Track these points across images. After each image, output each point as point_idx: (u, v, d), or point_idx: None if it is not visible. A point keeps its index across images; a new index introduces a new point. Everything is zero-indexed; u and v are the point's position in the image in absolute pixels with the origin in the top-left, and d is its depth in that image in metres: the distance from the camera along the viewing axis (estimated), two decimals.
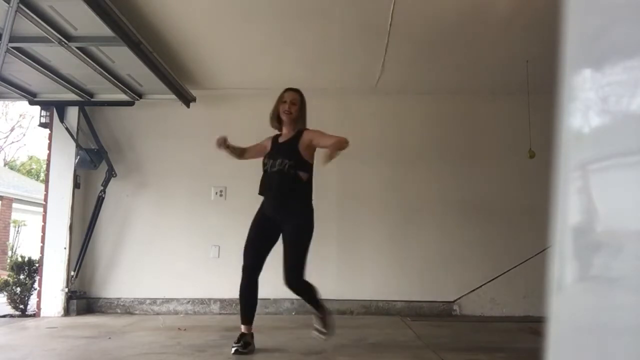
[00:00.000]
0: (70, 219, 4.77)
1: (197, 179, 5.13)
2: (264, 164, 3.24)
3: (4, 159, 21.79)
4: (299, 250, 3.10)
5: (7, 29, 3.21)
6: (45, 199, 4.86)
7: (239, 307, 4.81)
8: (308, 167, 3.20)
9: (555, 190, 0.59)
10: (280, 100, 3.29)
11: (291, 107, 3.24)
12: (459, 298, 4.96)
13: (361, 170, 5.09)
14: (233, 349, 3.05)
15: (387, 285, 4.95)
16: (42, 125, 4.99)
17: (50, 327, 4.10)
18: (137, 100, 4.85)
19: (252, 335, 3.17)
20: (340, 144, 2.96)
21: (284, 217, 3.16)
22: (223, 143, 3.24)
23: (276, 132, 3.40)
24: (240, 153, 3.43)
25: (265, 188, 3.22)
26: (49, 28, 3.29)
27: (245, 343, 3.09)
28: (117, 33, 3.36)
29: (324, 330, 3.22)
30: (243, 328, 3.17)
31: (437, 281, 4.97)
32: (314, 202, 3.23)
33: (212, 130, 5.20)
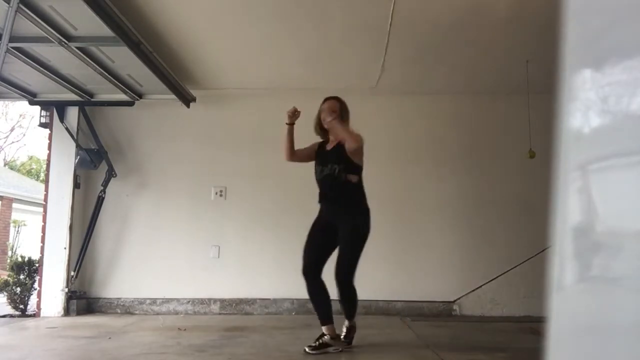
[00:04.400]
0: (70, 219, 4.77)
1: (197, 179, 5.13)
2: (316, 172, 3.34)
3: (4, 159, 21.79)
4: (349, 251, 3.18)
5: (7, 29, 3.21)
6: (45, 199, 4.86)
7: (239, 306, 4.82)
8: (358, 170, 3.30)
9: (555, 190, 0.59)
10: (321, 111, 3.37)
11: (331, 114, 3.29)
12: (459, 298, 4.96)
13: None
14: (305, 349, 3.10)
15: (387, 285, 4.94)
16: (42, 125, 4.99)
17: (50, 327, 4.10)
18: (137, 100, 4.85)
19: (333, 336, 3.18)
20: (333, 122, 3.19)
21: (339, 220, 3.25)
22: (294, 114, 3.30)
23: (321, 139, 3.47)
24: (292, 144, 3.42)
25: (320, 194, 3.32)
26: (49, 28, 3.29)
27: (321, 344, 3.12)
28: (117, 33, 3.36)
29: (344, 340, 3.25)
30: (324, 329, 3.21)
31: (437, 281, 4.97)
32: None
33: (212, 130, 5.23)
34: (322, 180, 3.28)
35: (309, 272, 3.25)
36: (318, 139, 3.46)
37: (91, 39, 3.59)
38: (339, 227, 3.23)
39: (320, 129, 3.38)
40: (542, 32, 3.56)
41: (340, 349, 3.16)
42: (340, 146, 3.29)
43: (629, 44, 0.52)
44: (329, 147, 3.36)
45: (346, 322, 3.30)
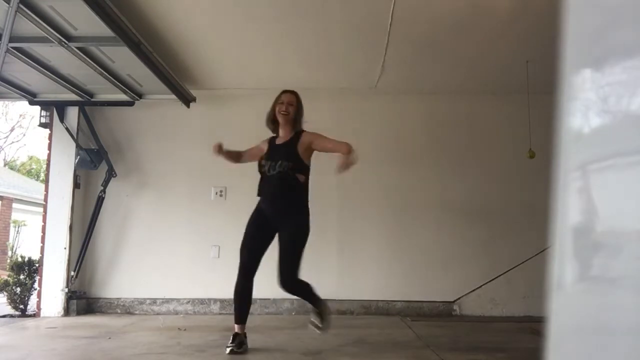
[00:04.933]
0: (70, 219, 4.77)
1: (197, 179, 5.13)
2: (261, 166, 3.25)
3: (4, 159, 21.79)
4: (294, 253, 3.11)
5: (7, 29, 3.21)
6: (45, 199, 4.86)
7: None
8: (305, 170, 3.21)
9: (555, 190, 0.59)
10: (277, 102, 3.31)
11: (288, 107, 3.26)
12: (459, 298, 4.96)
13: (361, 170, 5.04)
14: (228, 349, 3.05)
15: (387, 285, 4.94)
16: (42, 125, 4.99)
17: (50, 327, 4.10)
18: (137, 100, 4.85)
19: (245, 334, 3.18)
20: (351, 156, 2.98)
21: (281, 219, 3.16)
22: (219, 149, 3.29)
23: (273, 134, 3.40)
24: (236, 157, 3.46)
25: (263, 190, 3.22)
26: (49, 28, 3.29)
27: (239, 343, 3.09)
28: (117, 33, 3.36)
29: (320, 324, 3.20)
30: (237, 328, 3.16)
31: (437, 281, 4.97)
32: (310, 205, 3.24)
33: (212, 130, 5.22)
34: (270, 177, 3.17)
35: (248, 271, 3.16)
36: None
37: (91, 39, 3.59)
38: (281, 226, 3.16)
39: (272, 122, 3.32)
40: (542, 32, 3.56)
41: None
42: (291, 143, 3.22)
43: (629, 44, 0.52)
44: (279, 141, 3.30)
45: (313, 308, 3.24)
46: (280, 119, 3.27)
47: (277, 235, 3.20)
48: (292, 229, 3.15)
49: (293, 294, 3.23)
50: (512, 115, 5.05)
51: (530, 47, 4.08)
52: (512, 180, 5.06)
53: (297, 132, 3.27)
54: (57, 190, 4.81)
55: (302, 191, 3.19)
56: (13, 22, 3.13)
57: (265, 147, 3.34)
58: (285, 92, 3.34)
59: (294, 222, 3.15)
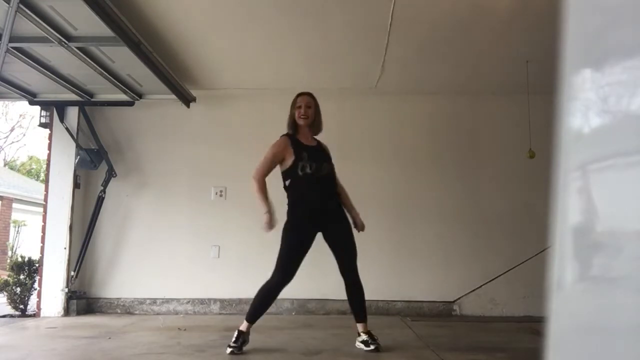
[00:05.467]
0: (70, 219, 4.77)
1: (197, 179, 5.13)
2: (308, 167, 3.14)
3: (4, 159, 21.79)
4: (354, 242, 3.25)
5: (7, 29, 3.21)
6: (45, 199, 4.86)
7: (239, 306, 4.81)
8: None
9: (555, 190, 0.59)
10: (295, 106, 3.30)
11: (307, 110, 3.27)
12: (459, 298, 4.96)
13: (361, 170, 5.08)
14: (229, 350, 3.06)
15: (387, 285, 4.94)
16: (42, 125, 4.99)
17: (50, 327, 4.10)
18: (137, 100, 4.85)
19: (249, 333, 3.20)
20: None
21: (335, 215, 3.26)
22: (273, 222, 3.12)
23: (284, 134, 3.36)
24: (268, 196, 3.22)
25: (318, 192, 3.19)
26: (49, 28, 3.29)
27: (242, 342, 3.11)
28: (117, 33, 3.36)
29: (370, 340, 3.23)
30: (244, 326, 3.16)
31: (437, 281, 4.97)
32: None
33: (212, 130, 5.23)
34: (322, 178, 3.18)
35: (288, 281, 3.15)
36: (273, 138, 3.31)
37: (91, 39, 3.59)
38: (333, 222, 3.22)
39: (293, 126, 3.29)
40: (542, 32, 3.56)
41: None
42: (324, 148, 3.35)
43: (629, 44, 0.52)
44: (310, 143, 3.28)
45: (363, 328, 3.29)
46: (300, 122, 3.27)
47: (324, 233, 3.24)
48: (345, 220, 3.29)
49: (357, 289, 3.26)
50: (512, 115, 5.05)
51: (530, 47, 4.08)
52: (512, 180, 5.06)
53: (319, 142, 3.36)
54: (57, 190, 4.81)
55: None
56: (13, 22, 3.13)
57: (288, 149, 3.20)
58: (300, 95, 3.35)
59: (343, 214, 3.32)
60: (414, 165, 5.13)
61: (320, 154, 3.27)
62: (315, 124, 3.31)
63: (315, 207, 3.19)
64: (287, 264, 3.12)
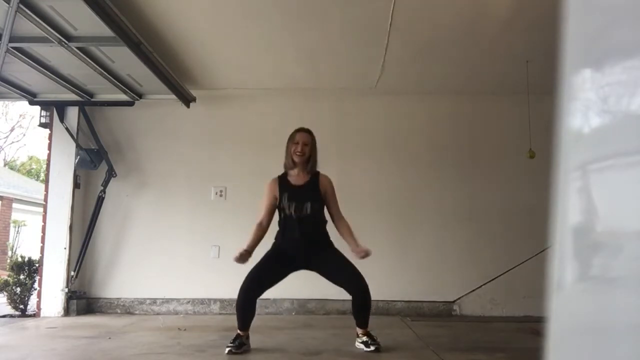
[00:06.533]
0: (70, 219, 4.77)
1: (197, 179, 5.13)
2: (286, 208, 3.22)
3: (4, 159, 21.79)
4: (348, 262, 3.20)
5: (7, 29, 3.21)
6: (45, 199, 4.86)
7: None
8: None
9: (555, 190, 0.59)
10: (292, 142, 3.31)
11: (303, 147, 3.27)
12: (459, 298, 4.96)
13: (361, 170, 5.09)
14: (227, 349, 3.06)
15: (387, 285, 4.94)
16: (42, 125, 4.99)
17: (50, 327, 4.10)
18: (137, 100, 4.84)
19: (247, 336, 3.20)
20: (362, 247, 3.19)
21: (314, 254, 3.23)
22: (245, 257, 3.14)
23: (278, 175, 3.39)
24: (259, 239, 3.27)
25: (294, 233, 3.21)
26: (49, 28, 3.29)
27: (240, 344, 3.11)
28: (117, 33, 3.36)
29: (371, 341, 3.21)
30: (240, 332, 3.19)
31: (437, 281, 4.97)
32: None
33: (212, 130, 5.23)
34: (300, 219, 3.19)
35: (253, 295, 3.17)
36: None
37: (91, 39, 3.59)
38: (315, 258, 3.22)
39: (292, 161, 3.30)
40: (542, 32, 3.56)
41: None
42: (314, 186, 3.28)
43: (629, 44, 0.52)
44: (297, 182, 3.29)
45: (363, 332, 3.27)
46: (295, 159, 3.27)
47: (313, 270, 3.26)
48: (332, 251, 3.25)
49: (367, 298, 3.21)
50: (512, 115, 5.05)
51: (530, 47, 4.08)
52: (512, 180, 5.06)
53: (315, 173, 3.33)
54: (57, 190, 4.81)
55: (325, 227, 3.31)
56: (13, 22, 3.13)
57: (275, 189, 3.30)
58: (299, 131, 3.35)
59: (328, 248, 3.27)
60: (413, 165, 5.13)
61: (306, 194, 3.24)
62: (311, 161, 3.31)
63: (293, 246, 3.23)
64: (250, 274, 3.17)
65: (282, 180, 3.33)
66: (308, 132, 3.34)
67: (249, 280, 3.16)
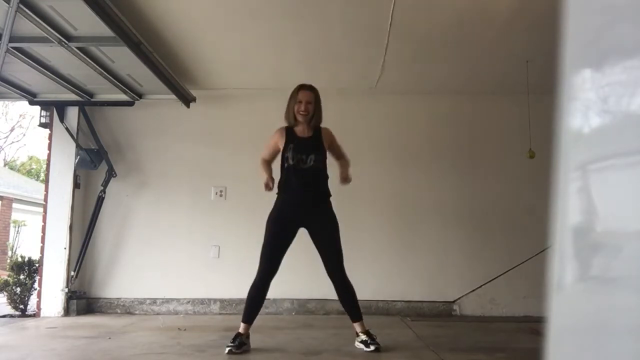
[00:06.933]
0: (70, 219, 4.77)
1: (197, 179, 5.13)
2: (290, 158, 3.19)
3: (4, 159, 21.79)
4: (338, 242, 3.20)
5: (7, 29, 3.21)
6: (45, 199, 4.86)
7: (239, 306, 4.79)
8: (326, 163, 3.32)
9: (555, 190, 0.59)
10: (295, 100, 3.28)
11: (307, 106, 3.25)
12: (459, 298, 4.96)
13: (361, 170, 5.06)
14: (227, 349, 3.05)
15: (387, 285, 4.94)
16: (42, 125, 4.99)
17: (50, 327, 4.10)
18: (137, 100, 4.84)
19: (248, 335, 3.19)
20: (349, 172, 3.30)
21: (314, 212, 3.22)
22: (270, 183, 3.19)
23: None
24: (269, 166, 3.35)
25: (295, 183, 3.19)
26: (49, 28, 3.29)
27: (240, 343, 3.10)
28: (117, 33, 3.36)
29: (369, 340, 3.19)
30: (242, 327, 3.18)
31: (437, 281, 4.97)
32: None
33: (212, 130, 5.23)
34: (304, 170, 3.18)
35: (270, 276, 3.16)
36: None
37: (91, 39, 3.59)
38: (313, 220, 3.20)
39: (293, 119, 3.29)
40: (543, 32, 3.56)
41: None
42: (318, 138, 3.27)
43: (629, 44, 0.52)
44: (302, 134, 3.28)
45: (360, 328, 3.26)
46: (299, 118, 3.26)
47: (308, 231, 3.24)
48: (329, 220, 3.23)
49: (345, 289, 3.20)
50: (512, 115, 5.05)
51: (530, 47, 4.08)
52: (512, 180, 5.06)
53: (318, 127, 3.32)
54: (57, 190, 4.81)
55: (327, 182, 3.30)
56: (13, 22, 3.13)
57: (281, 139, 3.29)
58: (302, 88, 3.30)
59: (327, 213, 3.24)
60: (413, 165, 5.13)
61: (311, 145, 3.23)
62: (315, 118, 3.29)
63: (294, 200, 3.21)
64: (264, 259, 3.17)
65: (289, 131, 3.30)
66: (311, 89, 3.29)
67: (262, 268, 3.16)
